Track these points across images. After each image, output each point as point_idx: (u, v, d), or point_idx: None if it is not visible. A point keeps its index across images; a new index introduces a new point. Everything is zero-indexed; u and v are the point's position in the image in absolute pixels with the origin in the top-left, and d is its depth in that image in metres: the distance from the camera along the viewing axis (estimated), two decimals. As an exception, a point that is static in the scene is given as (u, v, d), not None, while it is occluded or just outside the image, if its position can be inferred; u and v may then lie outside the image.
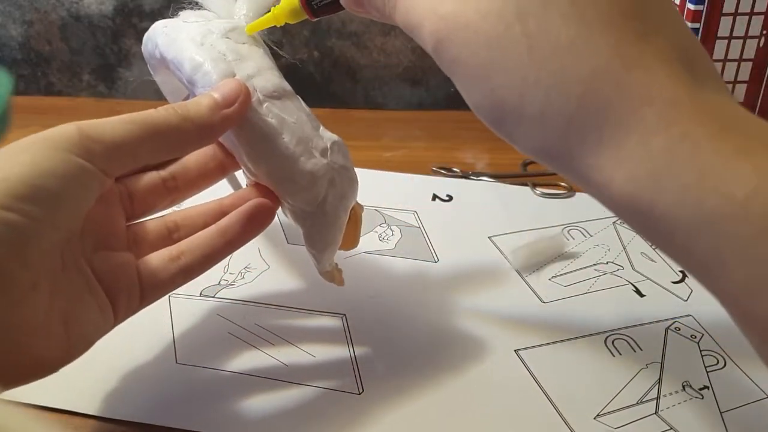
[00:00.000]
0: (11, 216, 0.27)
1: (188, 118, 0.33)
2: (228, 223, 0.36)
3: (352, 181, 0.38)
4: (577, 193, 0.57)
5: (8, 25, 0.71)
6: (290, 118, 0.36)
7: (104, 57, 0.72)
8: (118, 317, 0.33)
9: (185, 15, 0.39)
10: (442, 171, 0.59)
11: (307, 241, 0.38)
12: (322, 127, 0.37)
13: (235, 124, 0.35)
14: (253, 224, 0.36)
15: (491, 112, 0.27)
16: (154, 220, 0.37)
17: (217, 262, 0.36)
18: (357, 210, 0.39)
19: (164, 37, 0.38)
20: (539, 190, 0.57)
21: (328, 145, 0.36)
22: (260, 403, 0.37)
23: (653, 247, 0.50)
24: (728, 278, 0.23)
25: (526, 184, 0.57)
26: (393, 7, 0.29)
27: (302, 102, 0.37)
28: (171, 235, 0.37)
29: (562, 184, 0.57)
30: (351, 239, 0.40)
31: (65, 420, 0.36)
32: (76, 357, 0.31)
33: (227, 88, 0.34)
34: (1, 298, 0.27)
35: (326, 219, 0.36)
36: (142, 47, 0.40)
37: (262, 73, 0.36)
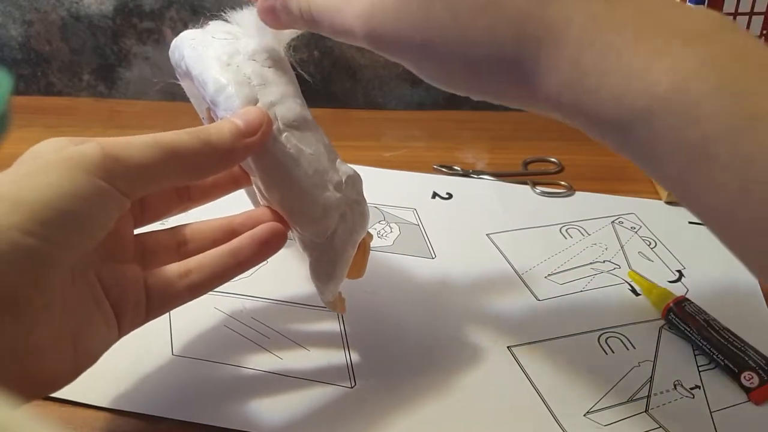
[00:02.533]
0: (31, 241, 0.26)
1: (210, 143, 0.33)
2: (240, 245, 0.36)
3: (363, 216, 0.37)
4: (577, 192, 0.57)
5: (8, 25, 0.71)
6: (308, 149, 0.35)
7: (104, 57, 0.72)
8: (123, 330, 0.33)
9: (213, 27, 0.39)
10: (443, 169, 0.60)
11: (311, 272, 0.37)
12: (339, 159, 0.37)
13: (256, 153, 0.34)
14: (266, 249, 0.36)
15: (443, 79, 0.31)
16: (164, 231, 0.37)
17: (225, 282, 0.35)
18: (366, 240, 0.39)
19: (191, 50, 0.37)
20: (539, 188, 0.57)
21: (343, 179, 0.36)
22: (254, 395, 0.38)
23: (651, 246, 0.51)
24: (666, 166, 0.26)
25: (526, 183, 0.58)
26: (310, 12, 0.33)
27: (322, 132, 0.37)
28: (179, 248, 0.36)
29: (562, 183, 0.57)
30: (358, 269, 0.39)
31: (59, 409, 0.37)
32: (82, 371, 0.31)
33: (250, 116, 0.34)
34: (14, 323, 0.27)
35: (334, 253, 0.36)
36: (169, 53, 0.40)
37: (284, 102, 0.36)
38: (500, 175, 0.59)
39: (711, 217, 0.26)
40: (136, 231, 0.36)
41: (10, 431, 0.15)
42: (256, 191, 0.38)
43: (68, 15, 0.70)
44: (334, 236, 0.36)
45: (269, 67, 0.37)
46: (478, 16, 0.28)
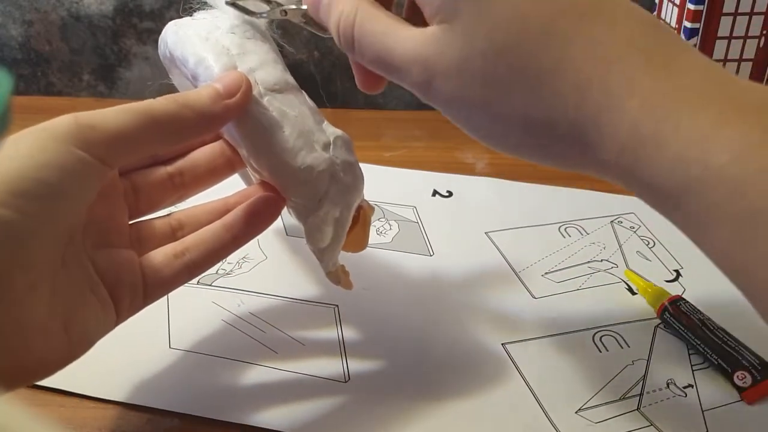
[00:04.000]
0: (7, 213, 0.26)
1: (188, 106, 0.32)
2: (233, 218, 0.36)
3: (357, 178, 0.36)
4: (576, 191, 0.57)
5: (8, 25, 0.71)
6: (292, 111, 0.35)
7: (104, 57, 0.72)
8: (121, 315, 0.33)
9: (198, 15, 0.39)
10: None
11: (308, 238, 0.36)
12: (326, 122, 0.36)
13: (237, 115, 0.34)
14: (258, 219, 0.36)
15: (497, 138, 0.31)
16: (159, 218, 0.37)
17: (222, 259, 0.36)
18: (366, 211, 0.38)
19: (173, 35, 0.38)
20: None
21: (331, 140, 0.36)
22: (248, 388, 0.38)
23: (649, 246, 0.51)
24: (714, 237, 0.26)
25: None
26: (352, 36, 0.31)
27: (306, 96, 0.37)
28: (175, 233, 0.36)
29: None
30: (358, 241, 0.38)
31: (59, 409, 0.37)
32: (77, 357, 0.31)
33: (228, 79, 0.34)
34: None
35: (327, 216, 0.36)
36: (158, 49, 0.40)
37: (264, 67, 0.36)
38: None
39: (757, 290, 0.26)
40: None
41: (10, 431, 0.15)
42: (248, 167, 0.37)
43: (68, 15, 0.70)
44: (326, 198, 0.35)
45: (248, 38, 0.37)
46: (543, 80, 0.28)
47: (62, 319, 0.29)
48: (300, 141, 0.35)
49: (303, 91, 0.37)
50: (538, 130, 0.29)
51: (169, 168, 0.37)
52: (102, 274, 0.32)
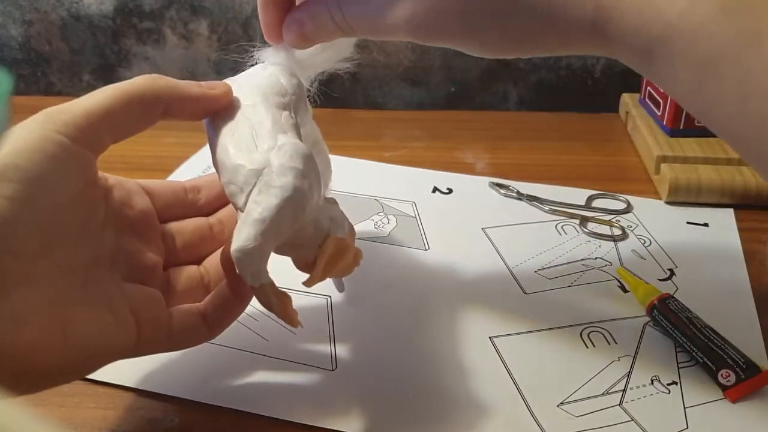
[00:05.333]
0: None
1: (162, 79, 0.34)
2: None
3: (291, 185, 0.32)
4: (576, 190, 0.57)
5: (8, 25, 0.72)
6: (254, 117, 0.35)
7: (104, 57, 0.73)
8: (142, 345, 0.33)
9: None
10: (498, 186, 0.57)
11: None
12: (290, 134, 0.34)
13: (215, 107, 0.35)
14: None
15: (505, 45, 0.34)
16: (193, 267, 0.38)
17: (235, 318, 0.37)
18: (335, 242, 0.34)
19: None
20: (590, 227, 0.53)
21: (279, 144, 0.33)
22: (238, 373, 0.39)
23: (646, 245, 0.51)
24: (680, 85, 0.30)
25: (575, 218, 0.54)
26: (344, 20, 0.36)
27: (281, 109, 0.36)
28: (203, 279, 0.38)
29: (617, 223, 0.53)
30: (317, 273, 0.34)
31: (59, 409, 0.38)
32: (81, 368, 0.31)
33: (212, 82, 0.36)
34: None
35: (248, 216, 0.32)
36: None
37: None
38: (557, 211, 0.54)
39: (719, 128, 0.30)
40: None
41: (10, 431, 0.15)
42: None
43: (68, 15, 0.71)
44: (250, 197, 0.32)
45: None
46: None
47: (59, 323, 0.29)
48: (245, 143, 0.34)
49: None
50: (525, 29, 0.32)
51: (211, 219, 0.39)
52: (130, 300, 0.33)
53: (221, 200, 0.40)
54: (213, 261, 0.39)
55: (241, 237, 0.31)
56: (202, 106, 0.35)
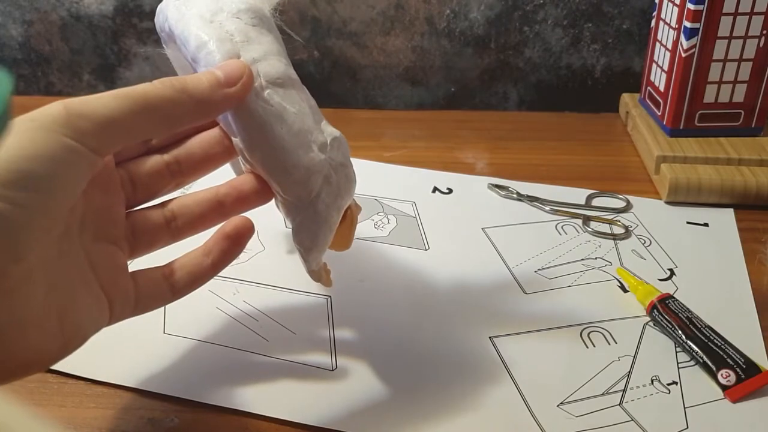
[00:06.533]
0: None
1: (186, 91, 0.32)
2: (212, 244, 0.36)
3: (349, 181, 0.36)
4: (576, 190, 0.57)
5: (8, 25, 0.72)
6: (292, 107, 0.34)
7: (104, 57, 0.73)
8: (114, 316, 0.33)
9: None
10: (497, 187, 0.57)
11: (295, 236, 0.36)
12: (324, 122, 0.36)
13: (235, 105, 0.34)
14: (235, 245, 0.36)
15: None
16: (153, 209, 0.37)
17: (204, 282, 0.36)
18: (353, 210, 0.38)
19: (175, 10, 0.36)
20: (592, 226, 0.53)
21: (328, 141, 0.35)
22: (238, 374, 0.39)
23: (645, 245, 0.51)
24: None
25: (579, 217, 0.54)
26: None
27: (308, 93, 0.37)
28: (169, 225, 0.36)
29: (620, 222, 0.53)
30: (344, 240, 0.39)
31: (59, 409, 0.39)
32: (71, 351, 0.31)
33: (230, 68, 0.33)
34: None
35: (317, 217, 0.35)
36: (155, 18, 0.39)
37: (268, 58, 0.35)
38: (558, 211, 0.54)
39: None
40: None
41: (10, 431, 0.15)
42: (240, 157, 0.37)
43: (68, 15, 0.71)
44: (318, 200, 0.35)
45: (253, 26, 0.36)
46: None
47: (56, 313, 0.29)
48: (297, 139, 0.34)
49: (305, 87, 0.37)
50: None
51: (166, 156, 0.37)
52: (97, 271, 0.32)
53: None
54: (181, 204, 0.37)
55: (315, 237, 0.36)
56: (227, 107, 0.34)
